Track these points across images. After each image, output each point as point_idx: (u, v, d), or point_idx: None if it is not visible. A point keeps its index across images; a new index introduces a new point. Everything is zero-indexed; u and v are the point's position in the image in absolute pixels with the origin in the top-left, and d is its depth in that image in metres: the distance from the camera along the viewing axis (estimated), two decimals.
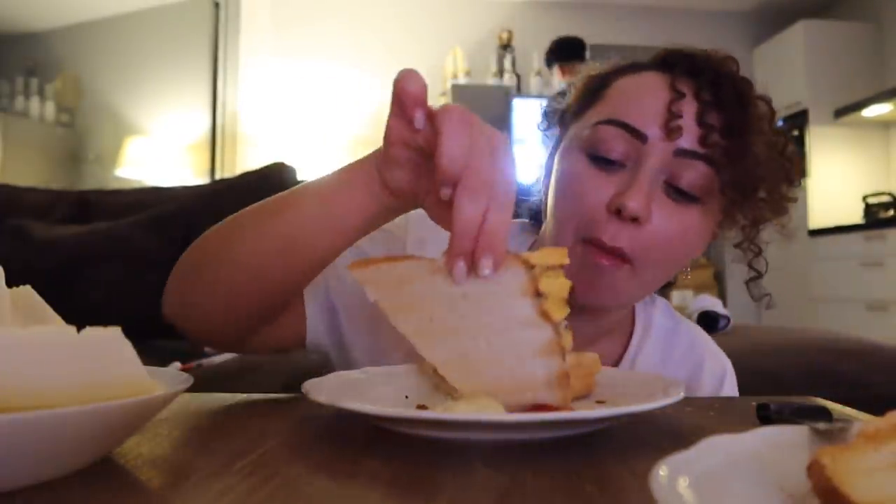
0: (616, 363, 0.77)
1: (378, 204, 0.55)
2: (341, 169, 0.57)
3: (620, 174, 0.64)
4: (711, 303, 1.85)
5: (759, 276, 0.72)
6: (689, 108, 0.63)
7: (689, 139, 0.63)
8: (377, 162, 0.54)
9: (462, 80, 4.46)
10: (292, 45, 4.58)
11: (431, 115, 0.48)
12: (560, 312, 0.46)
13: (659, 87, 0.65)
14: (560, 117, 0.76)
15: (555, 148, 0.74)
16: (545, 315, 0.46)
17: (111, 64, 4.62)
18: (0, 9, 4.47)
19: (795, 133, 4.53)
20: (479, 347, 0.47)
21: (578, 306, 0.70)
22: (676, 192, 0.64)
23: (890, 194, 4.28)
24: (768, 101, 0.69)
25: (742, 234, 0.71)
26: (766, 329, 1.99)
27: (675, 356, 0.79)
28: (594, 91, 0.71)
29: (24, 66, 4.83)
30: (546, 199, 0.73)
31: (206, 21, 4.43)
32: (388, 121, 0.51)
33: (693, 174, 0.63)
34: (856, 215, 4.30)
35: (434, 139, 0.46)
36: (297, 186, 0.60)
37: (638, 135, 0.63)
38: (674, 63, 0.67)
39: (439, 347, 0.48)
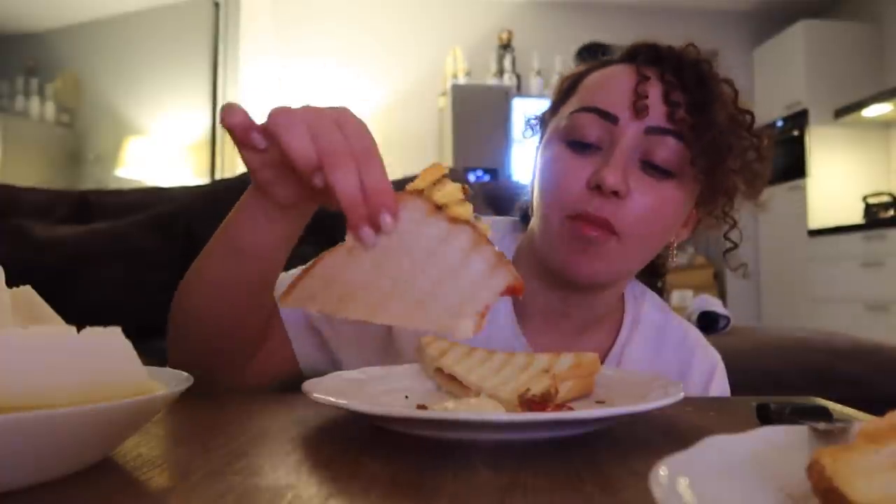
0: (605, 355, 0.78)
1: (280, 220, 0.58)
2: (236, 207, 0.60)
3: (597, 156, 0.68)
4: (711, 303, 1.85)
5: (735, 246, 0.77)
6: (654, 90, 0.68)
7: (657, 117, 0.67)
8: (257, 189, 0.57)
9: (462, 80, 4.46)
10: (292, 45, 4.58)
11: (265, 130, 0.50)
12: (465, 210, 0.48)
13: (625, 74, 0.70)
14: (541, 120, 0.80)
15: (538, 148, 0.78)
16: (454, 220, 0.47)
17: (111, 64, 4.62)
18: (0, 9, 4.47)
19: (795, 133, 4.53)
20: (421, 284, 0.48)
21: (570, 288, 0.73)
22: (651, 168, 0.68)
23: (890, 194, 4.28)
24: (730, 82, 0.73)
25: (716, 205, 0.74)
26: (766, 329, 1.99)
27: (664, 350, 0.80)
28: (568, 89, 0.76)
29: (24, 66, 4.83)
30: (532, 196, 0.77)
31: (206, 21, 4.43)
32: (239, 154, 0.53)
33: (665, 150, 0.67)
34: (856, 215, 4.30)
35: (279, 147, 0.48)
36: (217, 231, 0.62)
37: (609, 117, 0.68)
38: (638, 53, 0.72)
39: (392, 308, 0.49)
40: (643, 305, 0.82)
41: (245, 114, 0.51)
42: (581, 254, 0.67)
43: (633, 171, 0.67)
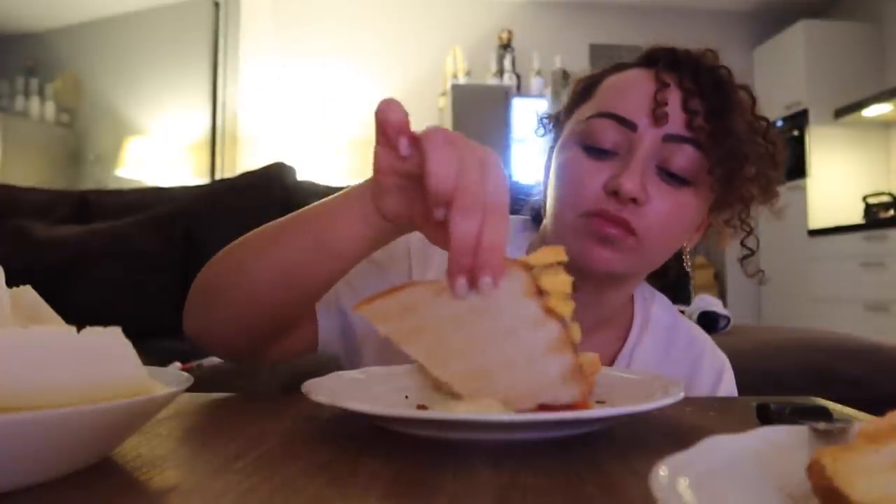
0: (614, 356, 0.78)
1: (374, 230, 0.56)
2: (336, 197, 0.58)
3: (614, 162, 0.68)
4: (711, 303, 1.85)
5: (752, 253, 0.76)
6: (673, 97, 0.68)
7: (675, 125, 0.67)
8: (370, 190, 0.55)
9: (462, 80, 4.46)
10: (292, 45, 4.58)
11: (416, 140, 0.49)
12: (565, 307, 0.46)
13: (644, 80, 0.69)
14: (555, 120, 0.80)
15: (552, 149, 0.77)
16: (550, 312, 0.46)
17: (111, 64, 4.62)
18: (0, 9, 4.47)
19: (795, 133, 4.53)
20: (490, 356, 0.47)
21: (580, 280, 0.72)
22: (668, 176, 0.67)
23: (890, 194, 4.28)
24: (747, 89, 0.73)
25: (733, 212, 0.74)
26: (766, 329, 1.99)
27: (673, 351, 0.79)
28: (584, 91, 0.76)
29: (24, 66, 4.83)
30: (545, 197, 0.76)
31: (206, 21, 4.43)
32: (375, 150, 0.52)
33: (682, 157, 0.67)
34: (856, 215, 4.30)
35: (421, 163, 0.47)
36: (296, 213, 0.61)
37: (628, 124, 0.67)
38: (657, 58, 0.71)
39: (452, 365, 0.48)
40: (652, 307, 0.82)
41: (405, 115, 0.49)
42: (597, 244, 0.67)
43: (651, 177, 0.67)
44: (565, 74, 4.28)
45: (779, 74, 4.67)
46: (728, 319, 1.79)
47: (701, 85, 0.68)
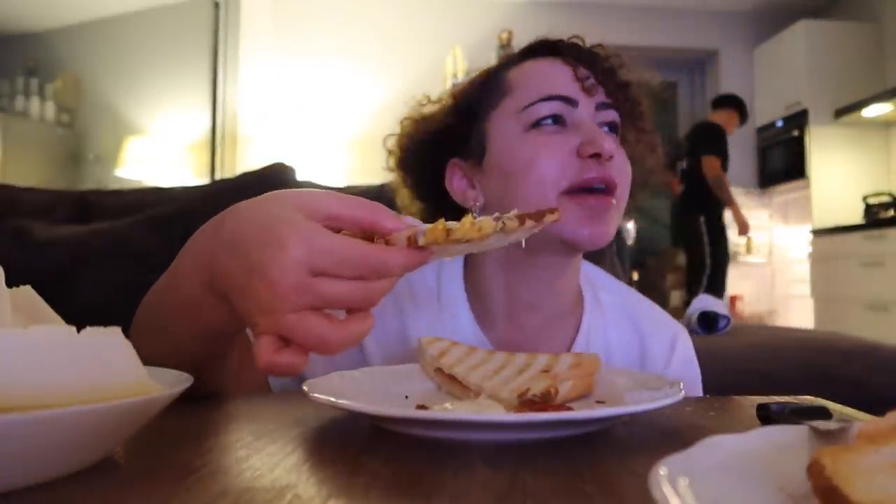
0: (570, 343, 0.78)
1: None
2: (174, 279, 0.54)
3: (566, 133, 0.73)
4: (711, 303, 1.85)
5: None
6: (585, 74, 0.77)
7: (600, 95, 0.76)
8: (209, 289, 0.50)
9: (462, 80, 4.45)
10: (292, 45, 4.58)
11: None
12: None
13: (556, 65, 0.77)
14: (461, 136, 0.79)
15: (464, 158, 0.79)
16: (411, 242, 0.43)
17: (111, 64, 4.62)
18: (0, 9, 4.47)
19: (795, 133, 4.53)
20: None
21: (543, 273, 0.75)
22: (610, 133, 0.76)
23: (890, 194, 4.28)
24: (618, 55, 0.81)
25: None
26: (766, 329, 1.99)
27: (624, 331, 0.81)
28: (493, 86, 0.79)
29: (24, 66, 4.83)
30: (488, 190, 0.76)
31: (206, 21, 4.43)
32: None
33: (610, 119, 0.76)
34: (856, 215, 4.30)
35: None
36: (156, 299, 0.58)
37: (571, 101, 0.74)
38: (546, 47, 0.80)
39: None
40: (598, 290, 0.84)
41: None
42: (592, 222, 0.70)
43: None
44: None
45: (779, 74, 4.67)
46: (728, 319, 1.79)
47: (592, 62, 0.77)
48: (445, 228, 0.42)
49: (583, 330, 0.79)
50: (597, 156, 0.70)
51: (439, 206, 0.81)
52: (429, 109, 0.85)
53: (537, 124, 0.73)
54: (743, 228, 4.05)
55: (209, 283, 0.49)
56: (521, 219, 0.45)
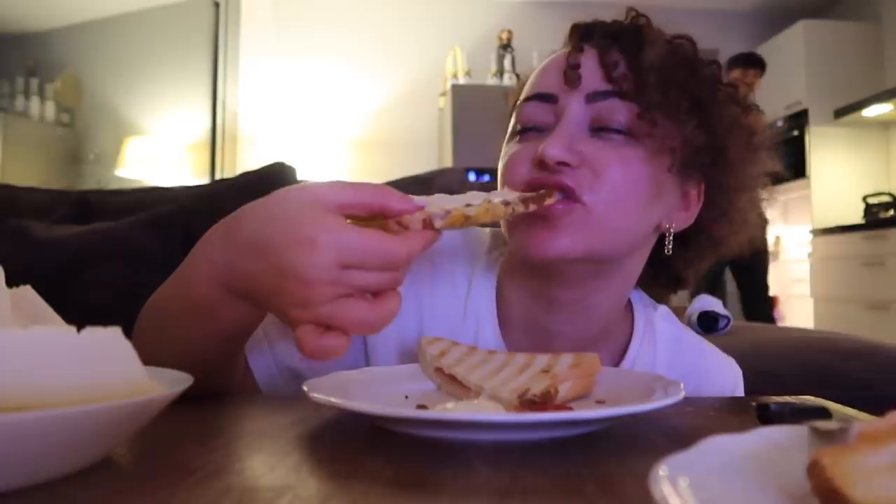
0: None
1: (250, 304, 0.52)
2: (204, 286, 0.52)
3: (540, 138, 0.64)
4: (711, 303, 1.84)
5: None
6: (589, 57, 0.66)
7: (593, 82, 0.65)
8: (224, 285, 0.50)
9: (462, 80, 4.45)
10: (292, 45, 4.58)
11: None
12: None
13: (560, 55, 0.69)
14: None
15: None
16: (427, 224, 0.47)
17: (111, 64, 4.62)
18: (0, 9, 4.47)
19: (795, 133, 4.53)
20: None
21: (552, 282, 0.67)
22: (606, 132, 0.64)
23: (890, 194, 4.28)
24: (685, 37, 0.71)
25: (694, 167, 0.67)
26: (766, 329, 1.99)
27: (678, 364, 0.74)
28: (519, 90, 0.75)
29: (24, 66, 4.83)
30: None
31: (206, 21, 4.43)
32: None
33: (612, 112, 0.64)
34: (856, 215, 4.30)
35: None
36: (165, 298, 0.58)
37: (548, 98, 0.66)
38: (570, 35, 0.71)
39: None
40: (655, 317, 0.77)
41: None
42: (538, 228, 0.62)
43: (584, 140, 0.63)
44: None
45: (779, 74, 4.66)
46: (728, 319, 1.79)
47: (618, 37, 0.66)
48: (464, 215, 0.48)
49: (628, 358, 0.73)
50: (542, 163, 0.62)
51: None
52: None
53: (514, 131, 0.69)
54: None
55: (227, 286, 0.50)
56: (526, 203, 0.55)
